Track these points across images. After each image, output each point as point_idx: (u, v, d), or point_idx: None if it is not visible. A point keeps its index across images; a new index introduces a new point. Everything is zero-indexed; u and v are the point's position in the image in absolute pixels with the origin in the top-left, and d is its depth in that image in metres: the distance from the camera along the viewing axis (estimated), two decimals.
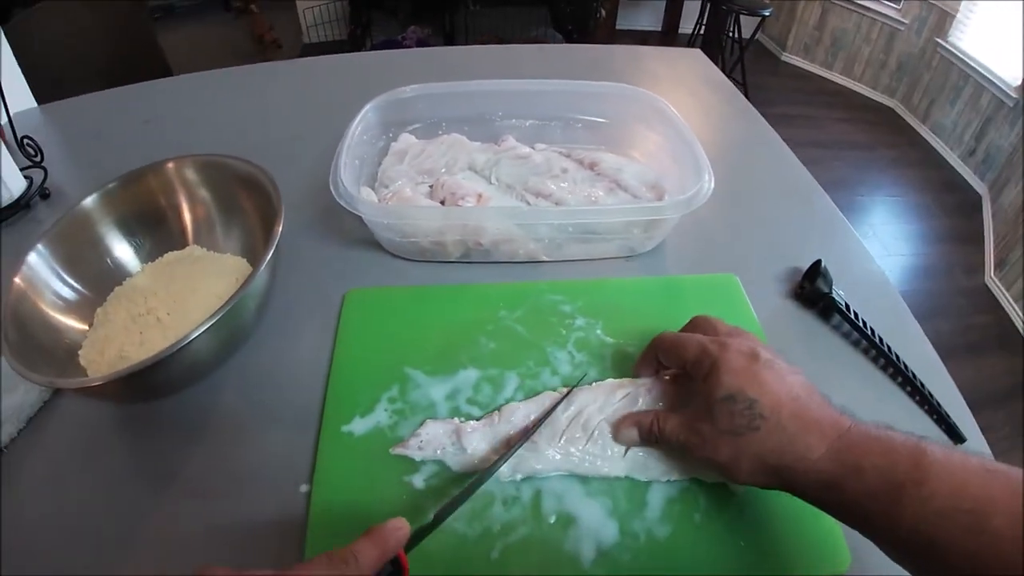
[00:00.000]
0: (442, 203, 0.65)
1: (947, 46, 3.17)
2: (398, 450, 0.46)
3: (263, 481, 0.45)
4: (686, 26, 4.09)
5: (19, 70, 0.91)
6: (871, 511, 0.33)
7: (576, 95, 0.76)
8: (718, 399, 0.39)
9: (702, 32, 3.65)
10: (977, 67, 2.98)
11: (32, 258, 0.50)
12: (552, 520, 0.43)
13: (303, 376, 0.52)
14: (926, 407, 0.52)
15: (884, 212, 2.84)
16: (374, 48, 3.21)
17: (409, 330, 0.56)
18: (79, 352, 0.49)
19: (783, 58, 4.14)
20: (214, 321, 0.42)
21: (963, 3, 3.08)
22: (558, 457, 0.44)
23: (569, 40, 3.13)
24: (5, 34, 0.87)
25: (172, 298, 0.52)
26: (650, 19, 4.34)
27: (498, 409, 0.48)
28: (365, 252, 0.65)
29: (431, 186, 0.68)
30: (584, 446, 0.45)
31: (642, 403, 0.46)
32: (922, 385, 0.53)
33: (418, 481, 0.44)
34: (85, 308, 0.53)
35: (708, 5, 3.49)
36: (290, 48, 3.62)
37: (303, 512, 0.43)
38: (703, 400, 0.41)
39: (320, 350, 0.54)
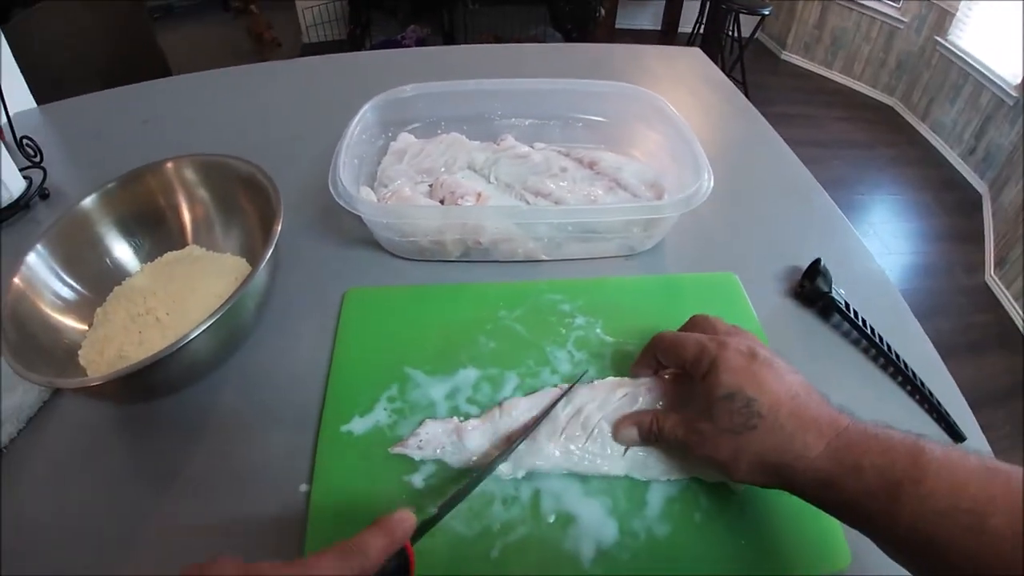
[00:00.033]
0: (441, 202, 0.65)
1: (947, 44, 3.17)
2: (397, 449, 0.46)
3: (263, 481, 0.45)
4: (686, 25, 4.09)
5: (18, 70, 0.91)
6: (869, 509, 0.33)
7: (575, 94, 0.76)
8: (717, 398, 0.39)
9: (701, 31, 3.66)
10: (977, 65, 2.98)
11: (31, 258, 0.50)
12: (551, 519, 0.43)
13: (302, 375, 0.52)
14: (926, 406, 0.52)
15: (884, 211, 2.84)
16: (373, 48, 3.22)
17: (408, 329, 0.55)
18: (78, 352, 0.49)
19: (783, 57, 4.14)
20: (213, 321, 0.42)
21: (962, 2, 3.08)
22: (558, 454, 0.44)
23: (568, 39, 3.13)
24: (5, 34, 0.87)
25: (171, 298, 0.52)
26: (650, 18, 4.34)
27: (499, 405, 0.48)
28: (364, 251, 0.64)
29: (430, 185, 0.68)
30: (583, 444, 0.45)
31: (642, 402, 0.46)
32: (922, 384, 0.53)
33: (417, 480, 0.44)
34: (84, 308, 0.53)
35: (707, 4, 3.49)
36: (289, 48, 3.62)
37: (303, 511, 0.43)
38: (702, 399, 0.41)
39: (319, 350, 0.54)
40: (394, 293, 0.60)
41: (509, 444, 0.44)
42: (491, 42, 2.75)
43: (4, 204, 0.68)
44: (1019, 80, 2.71)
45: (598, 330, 0.56)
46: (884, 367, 0.55)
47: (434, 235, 0.60)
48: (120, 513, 0.43)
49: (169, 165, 0.59)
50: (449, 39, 3.14)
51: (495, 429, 0.46)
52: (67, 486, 0.45)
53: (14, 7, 1.34)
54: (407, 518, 0.33)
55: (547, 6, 3.25)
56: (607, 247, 0.64)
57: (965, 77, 3.08)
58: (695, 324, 0.47)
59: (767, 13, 3.13)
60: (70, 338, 0.50)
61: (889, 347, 0.55)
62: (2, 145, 0.68)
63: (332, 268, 0.63)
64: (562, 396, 0.47)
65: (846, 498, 0.34)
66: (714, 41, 3.47)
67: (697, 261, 0.65)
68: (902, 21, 3.43)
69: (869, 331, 0.56)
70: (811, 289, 0.59)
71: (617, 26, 4.18)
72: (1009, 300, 2.33)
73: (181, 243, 0.60)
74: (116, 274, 0.56)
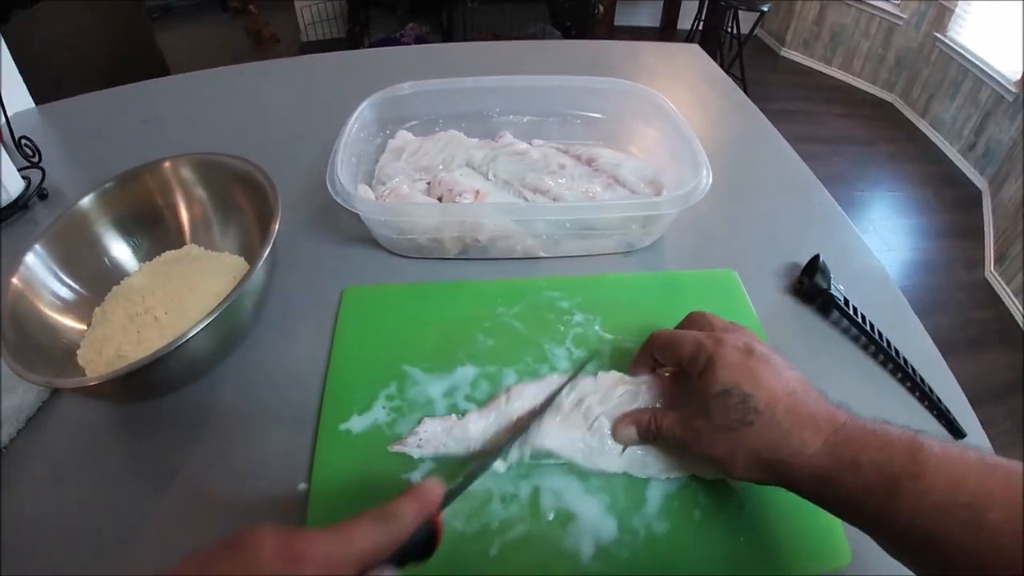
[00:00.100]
0: (439, 200, 0.65)
1: (946, 40, 3.17)
2: (397, 448, 0.46)
3: (261, 479, 0.45)
4: (684, 22, 4.09)
5: (17, 71, 0.91)
6: (867, 505, 0.33)
7: (574, 91, 0.76)
8: (713, 394, 0.39)
9: (700, 27, 3.65)
10: (976, 61, 2.98)
11: (30, 258, 0.50)
12: (551, 517, 0.42)
13: (301, 374, 0.52)
14: (926, 403, 0.52)
15: (883, 207, 2.83)
16: (372, 46, 3.21)
17: (407, 327, 0.55)
18: (77, 352, 0.49)
19: (782, 53, 4.14)
20: (211, 319, 0.42)
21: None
22: (562, 439, 0.45)
23: (567, 36, 3.12)
24: (4, 35, 0.87)
25: (170, 297, 0.52)
26: (648, 15, 4.34)
27: (505, 391, 0.48)
28: (362, 249, 0.64)
29: (428, 183, 0.68)
30: (584, 435, 0.45)
31: (640, 400, 0.46)
32: (922, 380, 0.53)
33: (416, 478, 0.44)
34: (83, 308, 0.53)
35: (706, 0, 3.48)
36: (288, 46, 3.62)
37: (302, 510, 0.43)
38: (699, 396, 0.41)
39: (318, 348, 0.54)
40: (392, 291, 0.60)
41: (517, 428, 0.45)
42: (490, 40, 2.75)
43: (3, 204, 0.68)
44: (1019, 76, 2.71)
45: (597, 327, 0.55)
46: (884, 363, 0.55)
47: (432, 233, 0.60)
48: (119, 512, 0.43)
49: (167, 164, 0.59)
50: (448, 37, 3.13)
51: (502, 415, 0.47)
52: (66, 486, 0.45)
53: (13, 7, 1.34)
54: (437, 486, 0.34)
55: (546, 3, 3.24)
56: (606, 244, 0.64)
57: (964, 73, 3.07)
58: (692, 321, 0.47)
59: (766, 9, 3.13)
60: (69, 338, 0.50)
61: (889, 343, 0.55)
62: (1, 145, 0.68)
63: (330, 266, 0.63)
64: (568, 381, 0.47)
65: (844, 494, 0.34)
66: (713, 38, 3.46)
67: (696, 258, 0.65)
68: (901, 17, 3.42)
69: (869, 327, 0.55)
70: (810, 285, 0.59)
71: (616, 23, 4.17)
72: (1009, 296, 2.33)
73: (179, 242, 0.60)
74: (114, 274, 0.56)
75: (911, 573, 0.33)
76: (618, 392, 0.47)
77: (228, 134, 0.84)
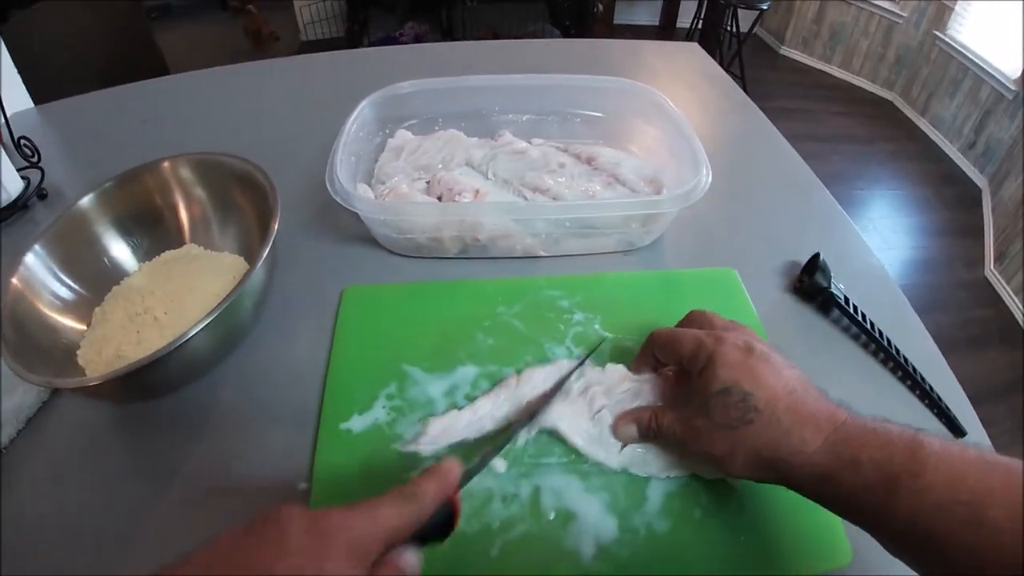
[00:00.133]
0: (439, 199, 0.65)
1: (946, 39, 3.16)
2: (409, 448, 0.45)
3: (262, 479, 0.45)
4: (684, 20, 4.09)
5: (16, 71, 0.91)
6: (867, 504, 0.33)
7: (573, 90, 0.76)
8: (713, 392, 0.39)
9: (700, 26, 3.65)
10: (976, 60, 2.98)
11: (29, 258, 0.50)
12: (551, 516, 0.42)
13: (301, 374, 0.52)
14: (927, 401, 0.52)
15: (883, 205, 2.83)
16: (371, 45, 3.21)
17: (407, 327, 0.55)
18: (77, 352, 0.49)
19: (781, 52, 4.13)
20: (211, 319, 0.42)
21: None
22: (569, 421, 0.45)
23: (566, 35, 3.12)
24: (3, 35, 0.87)
25: (169, 297, 0.52)
26: (648, 13, 4.33)
27: (516, 374, 0.49)
28: (362, 249, 0.64)
29: (428, 182, 0.68)
30: (587, 424, 0.46)
31: (643, 398, 0.46)
32: (923, 379, 0.53)
33: None
34: (83, 308, 0.52)
35: None
36: (287, 45, 3.62)
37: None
38: (699, 394, 0.41)
39: (318, 347, 0.54)
40: (392, 290, 0.60)
41: (529, 411, 0.46)
42: (489, 39, 2.75)
43: (2, 204, 0.68)
44: (1018, 74, 2.71)
45: (597, 326, 0.55)
46: (884, 362, 0.55)
47: (432, 232, 0.60)
48: (119, 512, 0.43)
49: (166, 164, 0.59)
50: (447, 36, 3.13)
51: (513, 397, 0.47)
52: (66, 486, 0.45)
53: (12, 7, 1.34)
54: (455, 466, 0.35)
55: (545, 2, 3.24)
56: (606, 243, 0.64)
57: (964, 71, 3.07)
58: (692, 320, 0.47)
59: (765, 8, 3.13)
60: (68, 338, 0.50)
61: (889, 342, 0.55)
62: (0, 146, 0.68)
63: (330, 266, 0.63)
64: (579, 365, 0.49)
65: (844, 492, 0.34)
66: (712, 36, 3.46)
67: (696, 257, 0.65)
68: (901, 16, 3.42)
69: (869, 326, 0.55)
70: (810, 284, 0.59)
71: (615, 22, 4.17)
72: (1009, 294, 2.33)
73: (179, 242, 0.60)
74: (114, 274, 0.56)
75: (912, 572, 0.33)
76: (622, 387, 0.47)
77: (227, 134, 0.84)
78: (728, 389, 0.38)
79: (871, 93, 3.73)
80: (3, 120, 0.74)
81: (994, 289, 2.40)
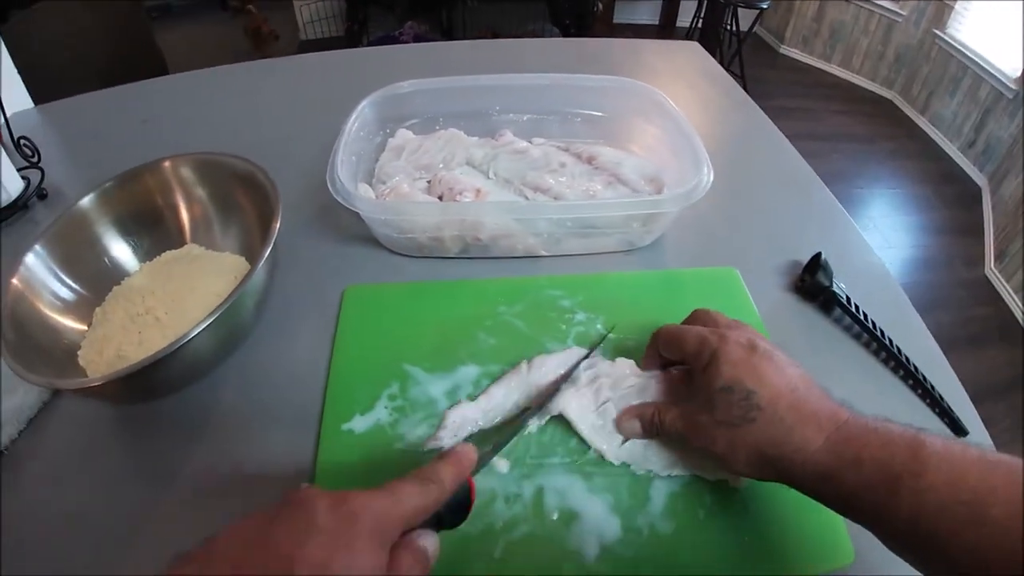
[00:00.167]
0: (440, 199, 0.65)
1: (945, 37, 3.16)
2: (431, 444, 0.46)
3: (264, 480, 0.45)
4: (684, 19, 4.09)
5: (16, 71, 0.91)
6: (869, 503, 0.33)
7: (574, 89, 0.76)
8: (716, 390, 0.39)
9: (700, 25, 3.65)
10: (976, 58, 2.97)
11: (30, 259, 0.50)
12: (554, 517, 0.42)
13: (302, 374, 0.52)
14: (928, 400, 0.52)
15: (883, 204, 2.83)
16: (371, 44, 3.20)
17: (408, 326, 0.55)
18: (78, 352, 0.49)
19: (781, 51, 4.13)
20: (213, 319, 0.41)
21: None
22: (577, 409, 0.46)
23: (566, 34, 3.12)
24: (3, 35, 0.87)
25: (170, 297, 0.52)
26: (648, 12, 4.33)
27: (527, 361, 0.50)
28: (363, 249, 0.64)
29: (429, 182, 0.68)
30: (592, 415, 0.46)
31: (648, 395, 0.46)
32: (924, 378, 0.53)
33: None
34: (83, 308, 0.52)
35: None
36: (287, 45, 3.61)
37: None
38: (703, 391, 0.41)
39: (319, 348, 0.54)
40: (393, 290, 0.59)
41: (540, 398, 0.47)
42: (489, 38, 2.75)
43: (2, 205, 0.68)
44: (1018, 73, 2.71)
45: (599, 326, 0.55)
46: (886, 361, 0.55)
47: (433, 231, 0.60)
48: (119, 513, 0.43)
49: (167, 164, 0.59)
50: (447, 35, 3.13)
51: (525, 382, 0.48)
52: (67, 486, 0.45)
53: (12, 7, 1.33)
54: (471, 450, 0.36)
55: (546, 1, 3.24)
56: (607, 242, 0.64)
57: (964, 70, 3.07)
58: (697, 318, 0.47)
59: (765, 7, 3.13)
60: (69, 338, 0.50)
61: (891, 341, 0.55)
62: (0, 146, 0.68)
63: (331, 265, 0.63)
64: (588, 354, 0.50)
65: (845, 491, 0.34)
66: (712, 35, 3.46)
67: (697, 256, 0.65)
68: (900, 14, 3.42)
69: (871, 325, 0.55)
70: (812, 283, 0.59)
71: (615, 21, 4.17)
72: (1009, 293, 2.33)
73: (179, 242, 0.60)
74: (115, 274, 0.56)
75: (914, 572, 0.33)
76: (628, 382, 0.47)
77: (228, 133, 0.84)
78: (731, 387, 0.39)
79: (871, 92, 3.73)
80: (3, 120, 0.74)
81: (994, 288, 2.40)
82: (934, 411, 0.52)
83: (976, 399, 0.52)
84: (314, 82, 1.01)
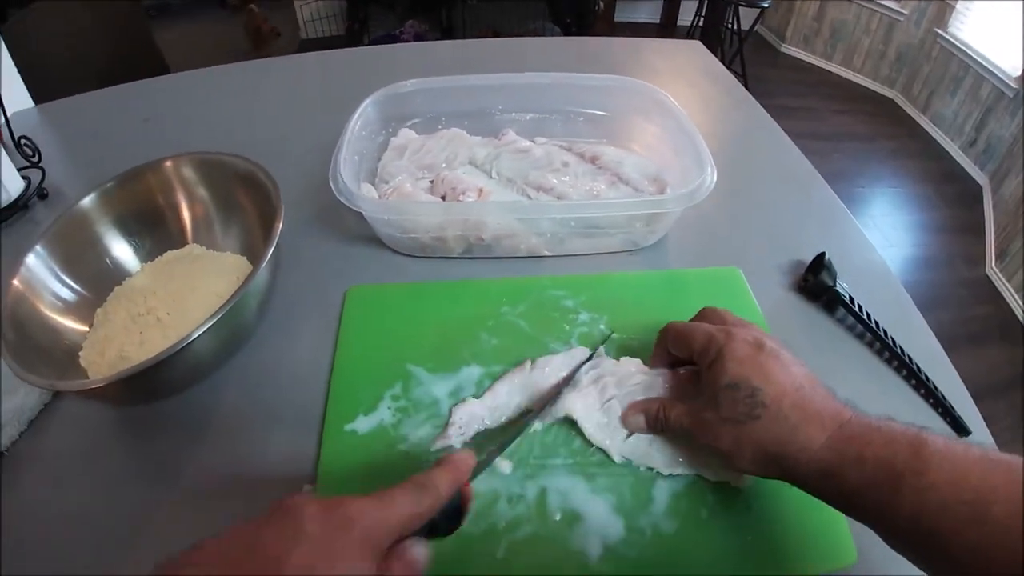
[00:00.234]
0: (443, 198, 0.64)
1: (947, 37, 3.16)
2: (440, 443, 0.46)
3: (266, 481, 0.45)
4: (685, 18, 4.08)
5: (16, 70, 0.90)
6: (871, 501, 0.33)
7: (576, 88, 0.76)
8: (722, 387, 0.39)
9: (701, 24, 3.64)
10: (977, 57, 2.97)
11: (30, 259, 0.50)
12: (557, 517, 0.42)
13: (305, 375, 0.52)
14: (931, 400, 0.52)
15: (885, 203, 2.83)
16: (371, 43, 3.20)
17: (411, 327, 0.55)
18: (79, 353, 0.49)
19: (782, 49, 4.13)
20: (215, 320, 0.41)
21: None
22: (581, 408, 0.46)
23: (567, 33, 3.11)
24: (3, 34, 0.87)
25: (172, 297, 0.52)
26: (649, 11, 4.32)
27: (531, 361, 0.50)
28: (366, 249, 0.64)
29: (431, 181, 0.68)
30: (596, 412, 0.46)
31: (655, 392, 0.46)
32: (927, 378, 0.52)
33: None
34: (84, 309, 0.52)
35: None
36: (287, 44, 3.61)
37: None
38: (708, 388, 0.41)
39: (322, 348, 0.54)
40: (396, 290, 0.59)
41: (543, 400, 0.47)
42: (489, 37, 2.74)
43: (3, 205, 0.68)
44: (1019, 72, 2.70)
45: (602, 326, 0.55)
46: (889, 361, 0.55)
47: (436, 231, 0.60)
48: (120, 514, 0.43)
49: (168, 164, 0.58)
50: (447, 34, 3.13)
51: (528, 382, 0.48)
52: (68, 487, 0.45)
53: (10, 7, 1.33)
54: (468, 457, 0.36)
55: (546, 0, 3.23)
56: (610, 242, 0.64)
57: (965, 69, 3.07)
58: (704, 316, 0.48)
59: (766, 6, 3.12)
60: (70, 339, 0.50)
61: (894, 341, 0.54)
62: (0, 146, 0.67)
63: (333, 266, 0.62)
64: (591, 356, 0.49)
65: (847, 489, 0.34)
66: (713, 34, 3.46)
67: (700, 256, 0.65)
68: (902, 14, 3.41)
69: (874, 325, 0.55)
70: (815, 283, 0.59)
71: (616, 19, 4.16)
72: (1010, 292, 2.32)
73: (181, 242, 0.60)
74: (116, 274, 0.56)
75: (916, 572, 0.33)
76: (634, 379, 0.47)
77: (229, 133, 0.84)
78: (737, 384, 0.39)
79: (872, 91, 3.72)
80: (3, 120, 0.74)
81: (995, 287, 2.39)
82: (936, 411, 0.52)
83: (977, 398, 0.52)
84: (315, 81, 1.00)
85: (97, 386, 0.40)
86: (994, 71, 2.86)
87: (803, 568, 0.41)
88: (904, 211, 2.78)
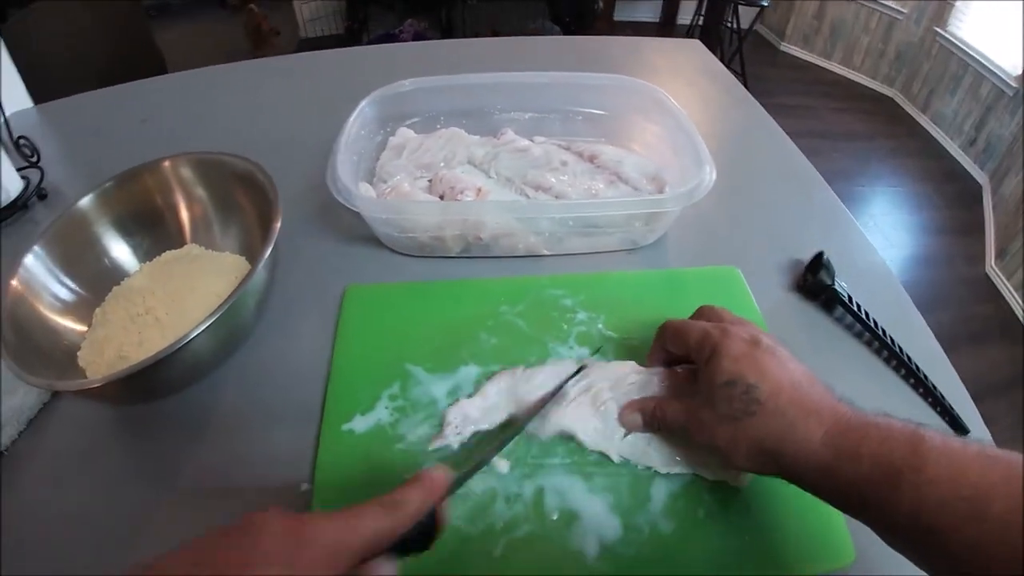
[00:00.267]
0: (441, 197, 0.64)
1: (946, 35, 3.16)
2: (438, 443, 0.45)
3: (264, 480, 0.45)
4: (684, 17, 4.08)
5: (15, 70, 0.90)
6: (869, 498, 0.33)
7: (575, 87, 0.76)
8: (718, 384, 0.39)
9: (700, 23, 3.64)
10: (977, 56, 2.97)
11: (29, 260, 0.50)
12: (555, 517, 0.42)
13: (303, 374, 0.52)
14: (930, 400, 0.52)
15: (884, 202, 2.83)
16: (371, 42, 3.20)
17: (409, 326, 0.55)
18: (78, 353, 0.49)
19: (782, 48, 4.13)
20: (213, 320, 0.41)
21: None
22: (575, 419, 0.45)
23: (567, 32, 3.11)
24: (2, 34, 0.87)
25: (170, 297, 0.52)
26: (648, 10, 4.32)
27: (523, 367, 0.50)
28: (364, 248, 0.64)
29: (430, 180, 0.68)
30: (591, 419, 0.46)
31: (651, 391, 0.46)
32: (926, 378, 0.52)
33: None
34: (83, 309, 0.52)
35: None
36: (287, 43, 3.61)
37: (304, 511, 0.42)
38: (705, 385, 0.41)
39: (320, 348, 0.54)
40: (394, 290, 0.59)
41: (530, 412, 0.46)
42: (489, 36, 2.74)
43: (2, 205, 0.68)
44: (1019, 71, 2.70)
45: (600, 325, 0.55)
46: (887, 360, 0.55)
47: (434, 231, 0.60)
48: (120, 514, 0.43)
49: (166, 164, 0.58)
50: (447, 34, 3.13)
51: (515, 391, 0.48)
52: (67, 487, 0.45)
53: (10, 7, 1.33)
54: (442, 474, 0.34)
55: (546, 0, 3.23)
56: (609, 241, 0.64)
57: (965, 68, 3.07)
58: (702, 314, 0.48)
59: (766, 4, 3.12)
60: (69, 339, 0.50)
61: (893, 340, 0.54)
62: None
63: (332, 265, 0.62)
64: (577, 372, 0.48)
65: (844, 486, 0.34)
66: (713, 33, 3.45)
67: (699, 255, 0.65)
68: (901, 12, 3.41)
69: (873, 324, 0.55)
70: (814, 282, 0.59)
71: (616, 18, 4.16)
72: (1010, 291, 2.32)
73: (179, 242, 0.60)
74: (115, 274, 0.56)
75: (915, 571, 0.33)
76: (629, 380, 0.47)
77: (227, 132, 0.84)
78: (733, 381, 0.39)
79: (872, 90, 3.72)
80: (3, 120, 0.74)
81: (995, 286, 2.39)
82: (936, 410, 0.52)
83: (977, 397, 0.52)
84: (314, 81, 1.00)
85: (96, 386, 0.40)
86: (994, 70, 2.86)
87: (801, 567, 0.41)
88: (903, 210, 2.78)
